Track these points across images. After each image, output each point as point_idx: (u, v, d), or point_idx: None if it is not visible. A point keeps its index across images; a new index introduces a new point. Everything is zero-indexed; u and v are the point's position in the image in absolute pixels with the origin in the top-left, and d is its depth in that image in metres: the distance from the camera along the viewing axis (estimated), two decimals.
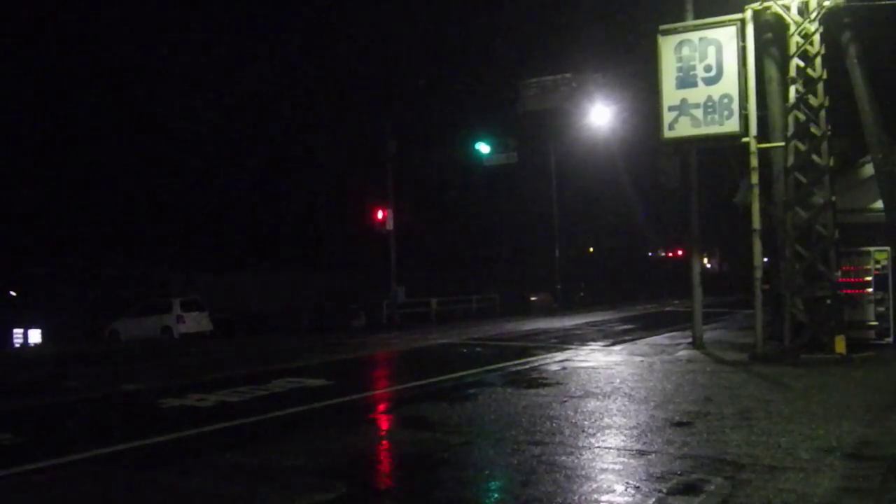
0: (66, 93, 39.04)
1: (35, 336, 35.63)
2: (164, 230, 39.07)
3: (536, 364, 14.87)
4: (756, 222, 14.17)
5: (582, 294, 45.86)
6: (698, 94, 14.40)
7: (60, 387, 14.17)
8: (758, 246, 14.22)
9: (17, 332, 35.98)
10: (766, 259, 15.43)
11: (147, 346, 23.92)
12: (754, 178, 14.23)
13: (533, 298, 38.87)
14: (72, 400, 12.58)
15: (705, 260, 57.05)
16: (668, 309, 34.64)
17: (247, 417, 9.92)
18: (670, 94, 14.65)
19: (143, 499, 6.29)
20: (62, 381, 15.10)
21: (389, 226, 30.24)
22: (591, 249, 61.48)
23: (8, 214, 36.80)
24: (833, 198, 13.95)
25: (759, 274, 14.22)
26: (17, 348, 32.99)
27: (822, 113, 13.95)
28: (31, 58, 39.63)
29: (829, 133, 13.90)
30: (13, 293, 40.73)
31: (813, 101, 14.05)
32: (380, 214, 30.41)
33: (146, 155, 39.40)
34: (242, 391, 12.20)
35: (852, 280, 14.61)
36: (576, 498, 5.80)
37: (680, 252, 62.66)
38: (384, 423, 10.00)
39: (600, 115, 25.97)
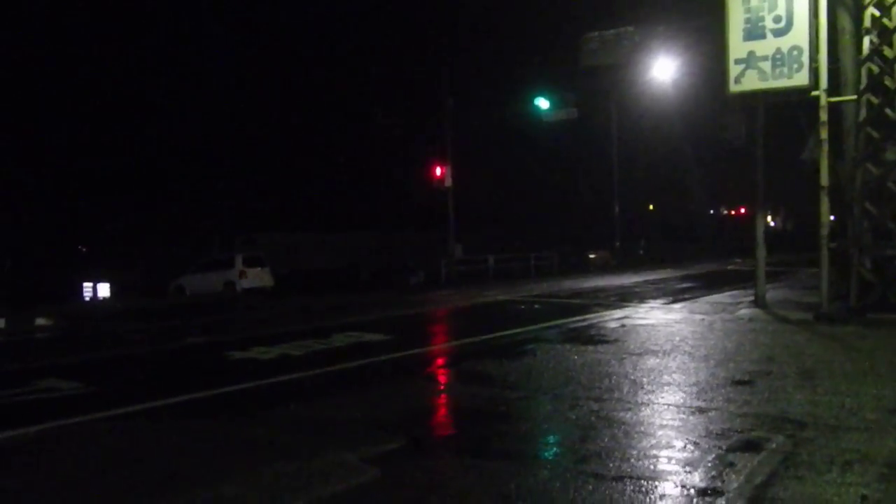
0: (137, 51, 39.74)
1: (104, 290, 36.81)
2: (228, 191, 39.79)
3: (595, 321, 14.82)
4: (824, 179, 13.78)
5: (641, 252, 45.38)
6: (766, 47, 13.96)
7: (129, 339, 14.66)
8: (825, 203, 13.85)
9: (87, 287, 37.22)
10: (833, 217, 15.04)
11: (211, 300, 24.50)
12: (823, 134, 13.82)
13: (592, 256, 38.61)
14: (140, 352, 13.02)
15: (769, 218, 55.80)
16: (729, 268, 34.09)
17: (309, 370, 10.15)
18: (737, 46, 14.24)
19: (212, 447, 6.50)
20: (130, 333, 15.61)
21: (447, 182, 30.24)
22: (652, 207, 60.63)
23: (80, 173, 37.87)
24: None
25: (825, 232, 13.86)
26: (87, 302, 34.11)
27: None
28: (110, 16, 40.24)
29: None
30: (83, 248, 42.08)
31: (888, 52, 13.51)
32: (438, 171, 30.40)
33: (212, 118, 40.02)
34: (304, 345, 12.45)
35: None
36: (634, 453, 5.81)
37: (743, 210, 61.45)
38: (442, 378, 10.11)
39: (663, 69, 25.39)
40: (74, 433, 7.11)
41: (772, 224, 62.11)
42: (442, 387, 9.48)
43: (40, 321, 18.62)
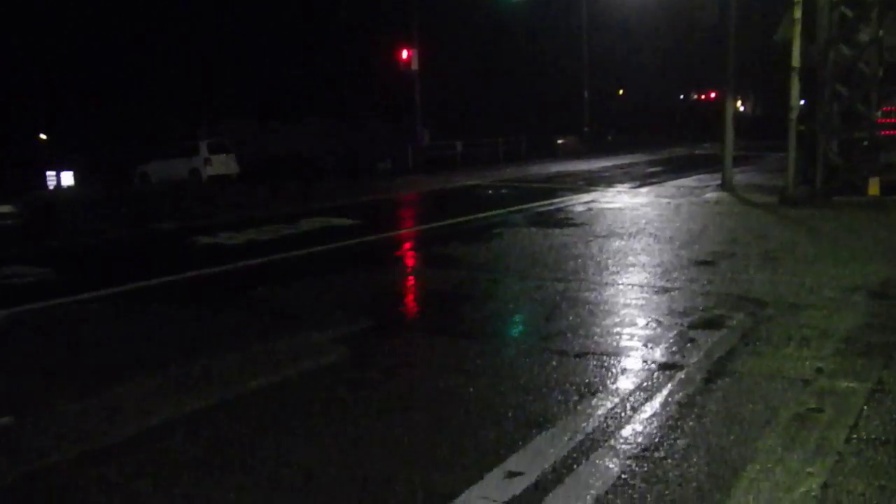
0: None
1: (68, 178, 36.09)
2: (194, 78, 38.60)
3: (562, 205, 14.86)
4: (796, 59, 13.62)
5: (610, 137, 45.24)
6: None
7: (94, 226, 14.45)
8: (795, 85, 13.73)
9: (50, 175, 36.43)
10: (803, 102, 14.96)
11: (176, 187, 24.17)
12: (797, 13, 13.56)
13: (560, 141, 38.43)
14: (107, 239, 12.88)
15: (739, 103, 55.65)
16: (698, 152, 34.19)
17: (276, 255, 10.11)
18: None
19: (180, 330, 6.50)
20: (96, 221, 15.39)
21: (414, 66, 29.60)
22: (622, 92, 60.08)
23: (39, 61, 36.49)
24: (880, 33, 13.31)
25: (794, 115, 13.81)
26: (51, 190, 33.49)
27: None
28: None
29: None
30: (43, 136, 41.05)
31: None
32: (404, 54, 29.70)
33: (174, 6, 38.42)
34: (271, 230, 12.38)
35: (892, 121, 14.15)
36: (598, 330, 5.90)
37: (713, 95, 61.10)
38: (411, 261, 10.14)
39: None
40: (43, 317, 7.08)
41: (741, 109, 61.98)
42: (410, 270, 9.52)
43: (3, 209, 18.26)
